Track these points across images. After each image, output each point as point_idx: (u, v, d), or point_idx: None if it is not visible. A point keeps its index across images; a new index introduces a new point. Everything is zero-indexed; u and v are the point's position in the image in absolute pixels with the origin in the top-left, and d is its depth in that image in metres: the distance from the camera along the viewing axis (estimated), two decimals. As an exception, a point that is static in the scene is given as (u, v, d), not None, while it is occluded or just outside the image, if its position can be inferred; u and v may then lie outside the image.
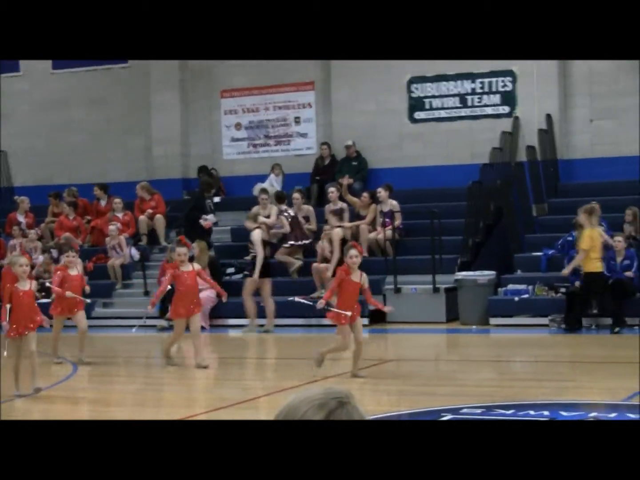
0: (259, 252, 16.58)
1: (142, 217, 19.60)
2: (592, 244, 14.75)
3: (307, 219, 18.19)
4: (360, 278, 10.89)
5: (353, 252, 10.87)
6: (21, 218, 19.99)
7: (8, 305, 10.19)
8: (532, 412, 9.61)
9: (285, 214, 18.03)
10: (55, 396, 11.67)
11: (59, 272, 12.22)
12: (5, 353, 11.19)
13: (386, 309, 13.14)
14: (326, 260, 16.95)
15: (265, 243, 16.90)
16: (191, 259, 14.79)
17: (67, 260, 12.39)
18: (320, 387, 1.95)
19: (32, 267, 16.67)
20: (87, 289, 12.57)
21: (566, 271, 15.25)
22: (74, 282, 11.99)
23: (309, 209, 18.35)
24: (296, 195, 18.53)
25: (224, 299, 14.69)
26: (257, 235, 16.65)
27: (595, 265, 14.70)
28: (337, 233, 16.87)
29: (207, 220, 18.27)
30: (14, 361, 10.20)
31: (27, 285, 10.21)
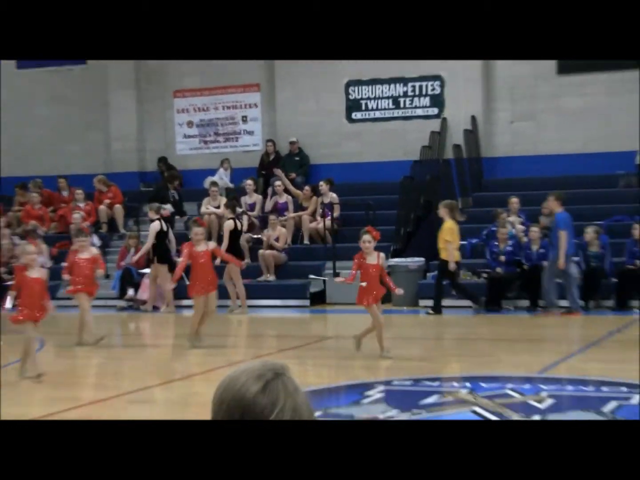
0: (149, 242, 17.27)
1: (101, 207, 20.44)
2: (452, 236, 15.97)
3: (253, 206, 19.07)
4: (378, 260, 11.10)
5: (366, 237, 11.02)
6: None
7: (14, 292, 10.44)
8: (455, 384, 10.50)
9: (245, 215, 18.72)
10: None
11: (70, 256, 12.35)
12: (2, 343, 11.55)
13: (397, 291, 12.97)
14: (271, 247, 17.84)
15: (232, 233, 17.77)
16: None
17: (79, 244, 12.40)
18: (260, 361, 2.02)
19: None
20: (100, 272, 12.56)
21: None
22: (86, 265, 12.05)
23: (258, 197, 19.24)
24: (249, 182, 19.62)
25: (243, 267, 15.86)
26: (155, 226, 17.33)
27: (451, 254, 15.84)
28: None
29: (166, 209, 18.89)
30: (26, 345, 10.34)
31: (36, 273, 10.39)
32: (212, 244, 13.47)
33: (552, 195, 16.75)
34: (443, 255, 16.16)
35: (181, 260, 12.96)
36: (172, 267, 16.90)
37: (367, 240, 10.95)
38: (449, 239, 16.08)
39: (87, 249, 12.27)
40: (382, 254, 11.37)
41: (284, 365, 1.92)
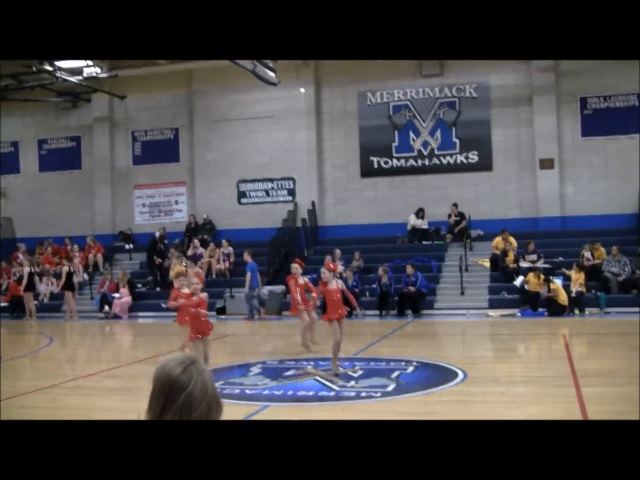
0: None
1: (90, 255, 26.51)
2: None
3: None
4: (337, 285, 11.45)
5: (322, 269, 11.53)
6: (20, 255, 26.31)
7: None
8: (304, 363, 12.29)
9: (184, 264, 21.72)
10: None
11: (174, 292, 11.83)
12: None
13: (358, 310, 15.30)
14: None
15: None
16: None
17: (178, 284, 11.92)
18: (180, 352, 2.52)
19: (22, 280, 24.01)
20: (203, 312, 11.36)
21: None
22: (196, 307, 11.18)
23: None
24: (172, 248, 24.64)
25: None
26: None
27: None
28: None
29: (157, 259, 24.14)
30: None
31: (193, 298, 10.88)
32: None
33: (245, 251, 21.19)
34: None
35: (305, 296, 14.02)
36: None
37: (323, 271, 11.52)
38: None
39: (186, 286, 11.58)
40: (340, 281, 11.82)
41: (197, 356, 2.42)
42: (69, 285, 23.34)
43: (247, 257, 21.33)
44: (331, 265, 11.79)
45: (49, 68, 24.49)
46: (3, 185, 30.30)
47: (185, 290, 11.42)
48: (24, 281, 23.81)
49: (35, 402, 10.16)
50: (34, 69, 24.45)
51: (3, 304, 25.33)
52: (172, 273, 21.27)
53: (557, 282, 20.31)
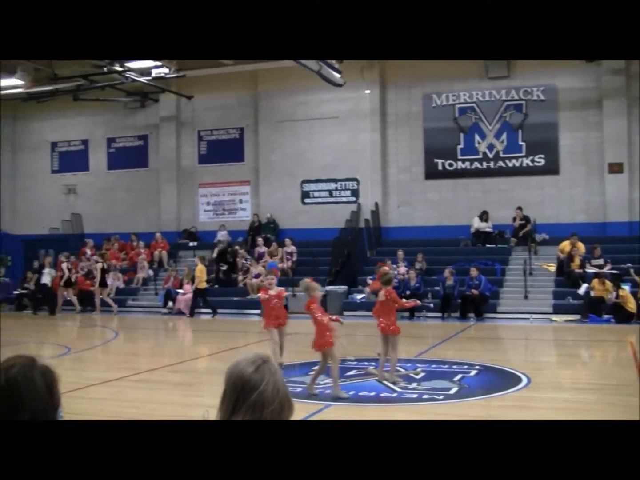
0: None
1: (155, 252, 27.08)
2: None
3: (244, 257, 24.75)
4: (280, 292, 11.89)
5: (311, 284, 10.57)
6: (87, 250, 27.12)
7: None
8: (366, 363, 12.26)
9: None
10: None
11: (261, 293, 12.12)
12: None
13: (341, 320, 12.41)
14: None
15: None
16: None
17: (267, 282, 12.14)
18: (252, 352, 2.47)
19: (89, 275, 24.99)
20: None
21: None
22: (276, 299, 11.81)
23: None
24: (237, 246, 25.68)
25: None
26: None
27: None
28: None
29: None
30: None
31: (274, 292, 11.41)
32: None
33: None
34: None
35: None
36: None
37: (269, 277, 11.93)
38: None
39: (274, 287, 11.96)
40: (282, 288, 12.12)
41: (268, 355, 2.44)
42: (101, 282, 24.26)
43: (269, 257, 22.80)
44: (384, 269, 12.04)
45: (119, 69, 24.91)
46: (73, 182, 31.01)
47: (272, 292, 11.85)
48: (97, 277, 24.37)
49: (102, 394, 10.36)
50: (105, 69, 24.90)
51: (69, 298, 25.77)
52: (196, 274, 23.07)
53: (626, 289, 19.95)
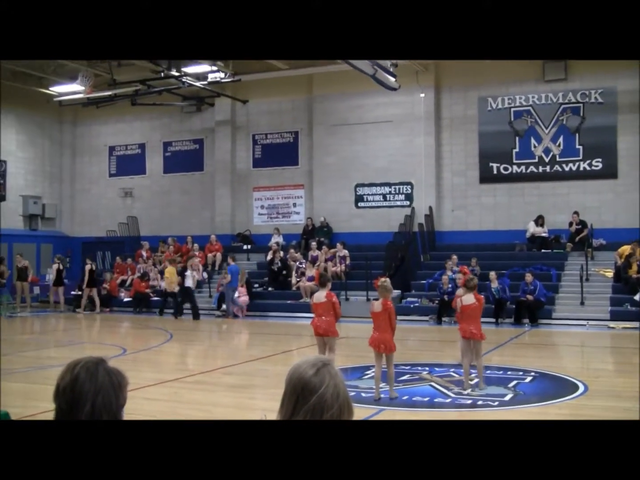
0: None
1: (209, 255, 27.03)
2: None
3: (298, 261, 24.67)
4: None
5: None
6: (143, 252, 27.63)
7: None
8: (419, 368, 12.22)
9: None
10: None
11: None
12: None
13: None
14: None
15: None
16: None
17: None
18: (314, 355, 2.53)
19: (145, 277, 25.54)
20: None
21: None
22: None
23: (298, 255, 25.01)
24: (292, 250, 25.67)
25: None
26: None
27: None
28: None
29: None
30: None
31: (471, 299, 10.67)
32: None
33: (229, 255, 23.91)
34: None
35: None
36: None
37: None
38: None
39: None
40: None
41: (328, 359, 2.46)
42: (90, 282, 25.67)
43: (230, 260, 23.75)
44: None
45: (176, 73, 25.24)
46: (130, 185, 31.51)
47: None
48: (85, 278, 25.80)
49: (158, 395, 10.53)
50: (162, 74, 25.32)
51: (127, 299, 26.29)
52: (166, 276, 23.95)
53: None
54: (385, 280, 10.16)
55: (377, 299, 10.18)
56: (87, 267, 26.08)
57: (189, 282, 23.76)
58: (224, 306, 24.12)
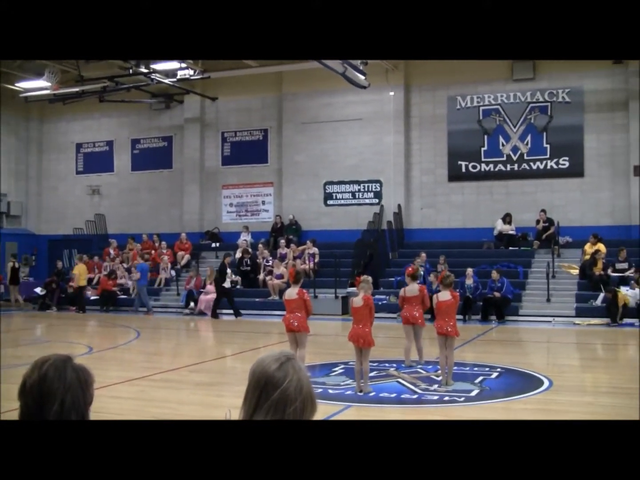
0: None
1: (179, 253, 27.15)
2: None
3: (266, 259, 24.75)
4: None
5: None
6: (111, 250, 27.64)
7: None
8: (387, 365, 12.32)
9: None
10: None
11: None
12: None
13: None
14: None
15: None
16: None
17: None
18: (277, 349, 2.48)
19: (112, 275, 25.36)
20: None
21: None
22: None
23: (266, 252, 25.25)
24: (260, 245, 25.87)
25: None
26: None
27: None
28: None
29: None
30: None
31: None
32: None
33: (138, 253, 24.68)
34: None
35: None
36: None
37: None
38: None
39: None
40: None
41: (293, 353, 2.44)
42: (13, 279, 26.74)
43: (139, 259, 25.27)
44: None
45: (145, 70, 25.08)
46: (97, 183, 31.26)
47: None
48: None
49: (125, 393, 10.46)
50: (130, 71, 25.12)
51: (93, 297, 26.12)
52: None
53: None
54: (368, 277, 10.53)
55: (357, 295, 10.38)
56: (10, 264, 26.85)
57: (227, 283, 23.57)
58: (192, 304, 24.07)
